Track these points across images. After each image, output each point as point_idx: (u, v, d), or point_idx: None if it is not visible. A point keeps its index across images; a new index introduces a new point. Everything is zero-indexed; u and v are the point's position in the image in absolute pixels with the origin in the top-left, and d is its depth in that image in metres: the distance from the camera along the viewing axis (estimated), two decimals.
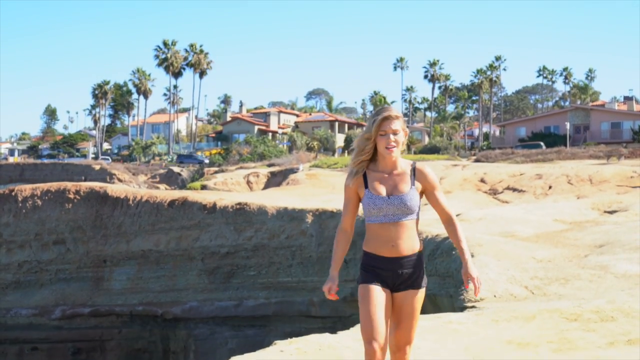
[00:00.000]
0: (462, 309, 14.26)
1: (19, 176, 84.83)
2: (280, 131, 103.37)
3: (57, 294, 35.71)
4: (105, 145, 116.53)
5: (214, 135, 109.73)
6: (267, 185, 57.32)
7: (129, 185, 77.77)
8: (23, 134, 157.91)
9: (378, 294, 5.22)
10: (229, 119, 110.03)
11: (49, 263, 36.40)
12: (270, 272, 32.45)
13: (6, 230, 36.84)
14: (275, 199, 36.49)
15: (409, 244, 5.28)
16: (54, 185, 38.20)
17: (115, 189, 37.50)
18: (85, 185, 38.39)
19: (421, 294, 5.37)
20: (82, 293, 35.42)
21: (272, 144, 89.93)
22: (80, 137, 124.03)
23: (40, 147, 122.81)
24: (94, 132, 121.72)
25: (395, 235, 5.24)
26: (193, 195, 36.32)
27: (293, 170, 55.40)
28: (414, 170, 5.37)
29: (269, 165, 68.47)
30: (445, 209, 5.46)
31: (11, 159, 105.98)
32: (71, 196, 36.39)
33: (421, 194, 5.39)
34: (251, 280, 32.78)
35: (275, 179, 57.76)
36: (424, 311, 20.71)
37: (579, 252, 20.27)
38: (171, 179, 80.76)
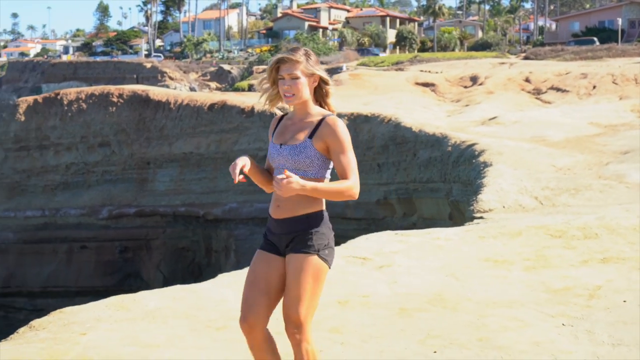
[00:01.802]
0: (472, 219, 14.76)
1: (72, 74, 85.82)
2: (330, 27, 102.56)
3: (103, 194, 36.97)
4: (158, 42, 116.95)
5: (264, 31, 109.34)
6: None
7: (180, 83, 78.55)
8: (77, 30, 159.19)
9: (260, 262, 4.67)
10: (279, 14, 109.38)
11: (95, 165, 37.57)
12: None
13: (53, 133, 37.97)
14: None
15: (297, 205, 4.52)
16: (98, 89, 39.08)
17: (157, 92, 38.22)
18: (128, 88, 39.17)
19: (312, 262, 4.52)
20: (127, 194, 36.63)
21: (321, 41, 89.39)
22: (133, 34, 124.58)
23: (93, 44, 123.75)
24: (146, 29, 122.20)
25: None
26: (232, 98, 36.90)
27: (337, 70, 55.40)
28: (321, 121, 4.52)
29: None
30: (345, 175, 4.49)
31: (64, 57, 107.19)
32: (115, 99, 37.24)
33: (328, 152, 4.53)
34: None
35: None
36: (451, 217, 21.04)
37: (601, 159, 20.45)
38: (221, 77, 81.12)
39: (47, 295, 36.00)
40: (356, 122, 31.13)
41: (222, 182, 34.81)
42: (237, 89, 57.95)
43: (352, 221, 30.77)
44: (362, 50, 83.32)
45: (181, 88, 72.68)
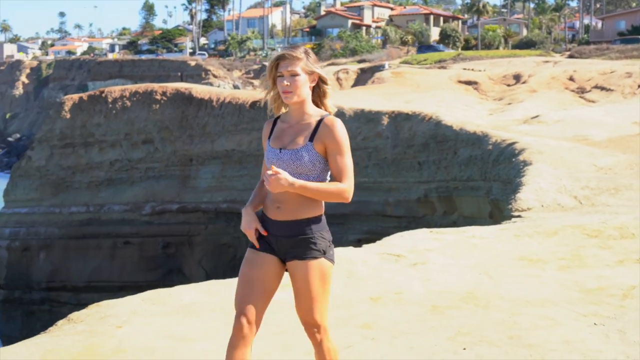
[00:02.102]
0: (510, 217, 14.73)
1: (118, 72, 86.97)
2: (373, 25, 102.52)
3: (147, 191, 37.42)
4: (202, 40, 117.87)
5: (308, 30, 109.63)
6: (356, 82, 57.40)
7: (224, 81, 79.08)
8: (123, 29, 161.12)
9: (255, 262, 4.58)
10: (322, 12, 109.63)
11: (138, 162, 38.04)
12: None
13: (98, 130, 38.52)
14: (356, 99, 36.84)
15: (298, 209, 4.45)
16: (141, 87, 39.55)
17: (199, 90, 38.58)
18: (171, 86, 39.59)
19: (319, 266, 4.48)
20: (170, 190, 37.04)
21: (365, 38, 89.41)
22: (177, 32, 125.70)
23: (139, 42, 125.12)
24: (191, 27, 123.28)
25: (282, 196, 4.42)
26: None
27: (379, 68, 55.31)
28: (319, 123, 4.44)
29: (360, 62, 68.43)
30: (341, 178, 4.42)
31: (110, 56, 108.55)
32: (158, 97, 37.67)
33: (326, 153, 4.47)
34: None
35: (365, 76, 57.70)
36: (491, 215, 20.95)
37: None
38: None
39: (91, 290, 36.50)
40: (397, 120, 31.12)
41: None
42: None
43: (393, 219, 30.77)
44: (426, 47, 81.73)
45: (225, 86, 73.21)
